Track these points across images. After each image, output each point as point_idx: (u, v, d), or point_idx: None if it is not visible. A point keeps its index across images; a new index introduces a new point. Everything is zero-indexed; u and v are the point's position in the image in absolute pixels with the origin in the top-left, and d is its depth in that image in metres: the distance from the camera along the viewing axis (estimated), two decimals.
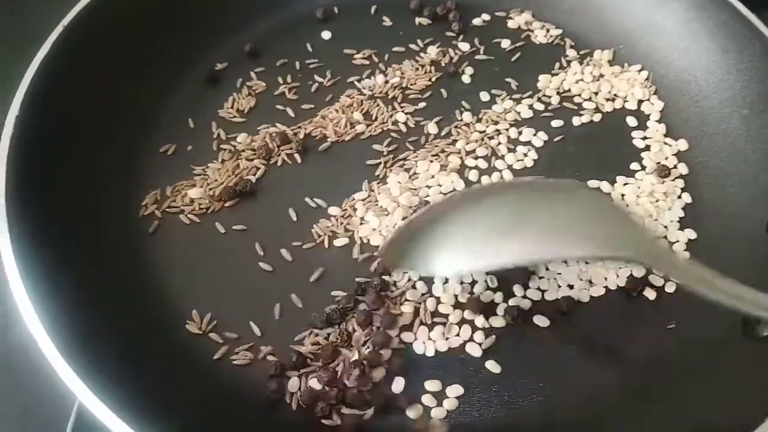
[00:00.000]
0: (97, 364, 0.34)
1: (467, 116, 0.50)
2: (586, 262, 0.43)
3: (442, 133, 0.50)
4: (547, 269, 0.43)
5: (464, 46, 0.55)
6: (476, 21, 0.57)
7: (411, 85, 0.52)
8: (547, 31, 0.56)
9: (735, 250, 0.44)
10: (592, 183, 0.47)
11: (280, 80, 0.52)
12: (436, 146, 0.49)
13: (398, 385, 0.39)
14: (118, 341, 0.37)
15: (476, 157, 0.48)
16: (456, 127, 0.50)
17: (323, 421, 0.37)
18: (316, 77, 0.53)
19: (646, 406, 0.38)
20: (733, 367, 0.39)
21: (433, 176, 0.47)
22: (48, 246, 0.38)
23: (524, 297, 0.42)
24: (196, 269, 0.43)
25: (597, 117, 0.51)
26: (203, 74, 0.52)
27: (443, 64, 0.54)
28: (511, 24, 0.57)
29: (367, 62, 0.54)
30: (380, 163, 0.48)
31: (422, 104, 0.51)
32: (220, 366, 0.39)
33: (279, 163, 0.48)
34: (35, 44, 0.44)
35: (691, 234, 0.45)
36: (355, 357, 0.39)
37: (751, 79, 0.48)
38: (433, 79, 0.53)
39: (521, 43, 0.55)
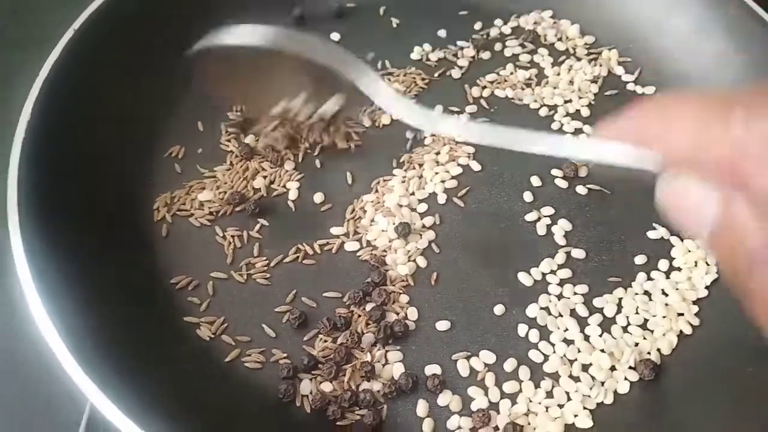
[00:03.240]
0: (109, 367, 0.34)
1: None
2: None
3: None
4: None
5: (470, 49, 0.54)
6: (486, 23, 0.56)
7: (415, 85, 0.52)
8: (557, 30, 0.56)
9: None
10: None
11: None
12: (444, 144, 0.49)
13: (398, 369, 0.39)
14: (130, 344, 0.37)
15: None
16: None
17: (337, 423, 0.37)
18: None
19: (662, 409, 0.38)
20: (748, 368, 0.38)
21: (437, 173, 0.47)
22: (60, 249, 0.38)
23: None
24: (207, 272, 0.43)
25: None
26: None
27: (449, 65, 0.53)
28: (521, 22, 0.56)
29: (378, 67, 0.53)
30: (389, 163, 0.48)
31: (426, 105, 0.50)
32: (232, 368, 0.39)
33: (288, 167, 0.48)
34: (44, 49, 0.44)
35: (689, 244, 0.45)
36: (366, 358, 0.39)
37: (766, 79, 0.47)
38: (437, 76, 0.53)
39: (530, 41, 0.55)
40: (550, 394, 0.39)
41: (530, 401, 0.39)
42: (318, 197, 0.46)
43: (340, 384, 0.38)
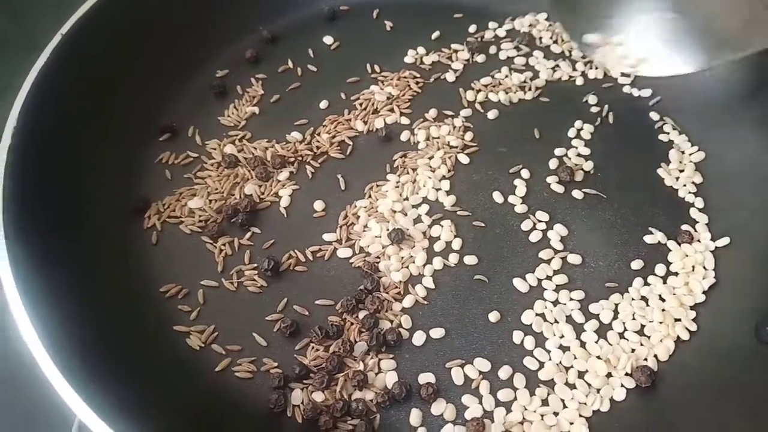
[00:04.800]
0: (95, 379, 0.33)
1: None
2: None
3: (440, 136, 0.49)
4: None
5: (464, 52, 0.54)
6: (481, 25, 0.56)
7: (409, 89, 0.52)
8: (553, 32, 0.55)
9: (747, 254, 0.43)
10: None
11: (282, 87, 0.52)
12: (438, 148, 0.48)
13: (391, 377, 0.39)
14: (117, 355, 0.37)
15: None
16: (455, 127, 0.49)
17: None
18: (317, 84, 0.52)
19: (659, 417, 0.38)
20: (746, 374, 0.38)
21: (430, 177, 0.47)
22: (46, 258, 0.38)
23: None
24: (197, 280, 0.42)
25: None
26: (204, 82, 0.52)
27: (443, 68, 0.53)
28: (516, 25, 0.56)
29: (369, 70, 0.53)
30: (383, 168, 0.47)
31: (420, 109, 0.51)
32: (222, 378, 0.39)
33: (280, 176, 0.47)
34: (34, 53, 0.43)
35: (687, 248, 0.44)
36: (359, 367, 0.38)
37: (763, 81, 0.47)
38: (431, 80, 0.52)
39: (525, 44, 0.54)
40: (545, 402, 0.38)
41: (525, 409, 0.38)
42: (310, 204, 0.46)
43: (332, 393, 0.38)
